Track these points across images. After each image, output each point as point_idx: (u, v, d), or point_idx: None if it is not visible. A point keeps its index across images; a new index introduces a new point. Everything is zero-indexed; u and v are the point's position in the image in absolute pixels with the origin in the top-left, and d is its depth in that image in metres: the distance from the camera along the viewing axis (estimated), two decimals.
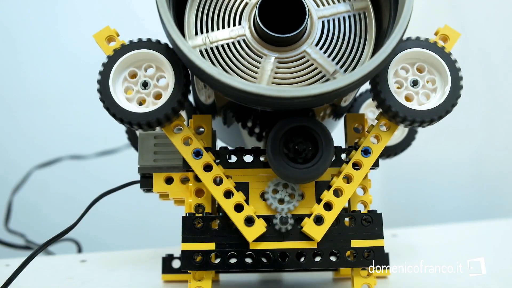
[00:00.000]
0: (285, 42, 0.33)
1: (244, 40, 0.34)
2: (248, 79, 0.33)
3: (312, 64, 0.34)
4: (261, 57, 0.33)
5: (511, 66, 0.90)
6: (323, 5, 0.35)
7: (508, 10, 0.90)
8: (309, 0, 0.35)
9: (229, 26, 0.34)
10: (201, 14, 0.34)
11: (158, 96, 0.33)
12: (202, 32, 0.34)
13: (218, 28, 0.34)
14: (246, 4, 0.35)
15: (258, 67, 0.33)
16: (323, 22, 0.34)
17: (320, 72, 0.33)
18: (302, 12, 0.32)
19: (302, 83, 0.33)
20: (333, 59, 0.34)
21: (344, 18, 0.35)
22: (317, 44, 0.34)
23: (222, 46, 0.34)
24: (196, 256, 0.34)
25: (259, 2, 0.32)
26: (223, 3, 0.35)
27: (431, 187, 0.94)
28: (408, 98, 0.34)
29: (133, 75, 0.33)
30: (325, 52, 0.34)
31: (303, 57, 0.34)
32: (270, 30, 0.32)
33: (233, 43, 0.34)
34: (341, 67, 0.34)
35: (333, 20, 0.34)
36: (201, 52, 0.34)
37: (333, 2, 0.35)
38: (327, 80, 0.33)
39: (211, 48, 0.34)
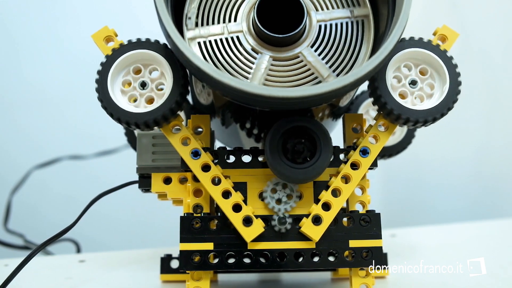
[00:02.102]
0: (282, 42, 0.33)
1: (239, 37, 0.34)
2: (240, 76, 0.33)
3: (306, 66, 0.34)
4: (256, 55, 0.33)
5: (511, 66, 0.90)
6: (322, 9, 0.35)
7: (508, 10, 0.90)
8: (309, 3, 0.35)
9: (224, 21, 0.34)
10: (199, 7, 0.34)
11: (156, 96, 0.33)
12: (201, 25, 0.34)
13: (214, 23, 0.34)
14: (243, 0, 0.34)
15: (252, 64, 0.33)
16: (320, 26, 0.34)
17: (313, 74, 0.34)
18: (300, 13, 0.32)
19: (294, 83, 0.33)
20: (327, 63, 0.34)
21: (342, 23, 0.34)
22: (312, 47, 0.34)
23: (219, 40, 0.34)
24: (194, 256, 0.34)
25: (258, 1, 0.32)
26: None
27: (430, 187, 0.94)
28: (407, 98, 0.34)
29: (132, 75, 0.33)
30: (319, 55, 0.34)
31: (298, 58, 0.34)
32: (268, 29, 0.32)
33: (229, 38, 0.34)
34: (334, 71, 0.34)
35: (331, 25, 0.34)
36: (199, 44, 0.34)
37: (333, 7, 0.35)
38: (319, 83, 0.33)
39: (209, 42, 0.34)
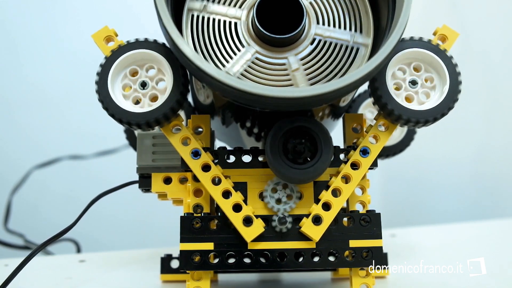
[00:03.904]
0: (273, 42, 0.33)
1: (236, 24, 0.34)
2: (218, 62, 0.33)
3: (286, 71, 0.33)
4: (243, 46, 0.33)
5: (511, 66, 0.90)
6: (324, 24, 0.34)
7: (508, 10, 0.90)
8: (312, 14, 0.34)
9: (229, 4, 0.34)
10: None
11: (156, 97, 0.33)
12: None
13: (219, 2, 0.34)
14: None
15: (237, 52, 0.33)
16: (314, 39, 0.34)
17: (289, 80, 0.33)
18: (298, 20, 0.32)
19: (268, 83, 0.33)
20: (307, 75, 0.33)
21: (337, 44, 0.34)
22: (298, 54, 0.33)
23: (216, 20, 0.34)
24: (195, 256, 0.34)
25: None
26: None
27: (430, 187, 0.94)
28: (407, 98, 0.34)
29: (132, 75, 0.33)
30: (304, 65, 0.33)
31: (282, 61, 0.33)
32: (266, 26, 0.32)
33: (227, 21, 0.34)
34: (311, 83, 0.33)
35: (325, 42, 0.34)
36: (192, 16, 0.34)
37: (335, 26, 0.34)
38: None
39: (205, 17, 0.34)
